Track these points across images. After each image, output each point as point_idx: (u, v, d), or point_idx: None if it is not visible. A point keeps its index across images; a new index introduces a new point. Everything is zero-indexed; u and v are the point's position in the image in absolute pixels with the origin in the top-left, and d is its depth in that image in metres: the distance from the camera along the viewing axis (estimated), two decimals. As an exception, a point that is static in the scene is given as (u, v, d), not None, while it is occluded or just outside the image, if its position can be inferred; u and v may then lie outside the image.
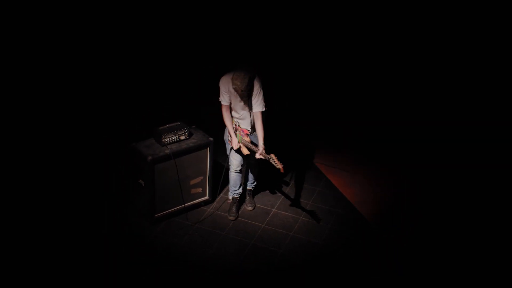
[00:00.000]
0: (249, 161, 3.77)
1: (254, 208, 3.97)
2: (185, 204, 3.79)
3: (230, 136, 3.57)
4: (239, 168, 3.77)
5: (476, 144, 5.27)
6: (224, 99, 3.46)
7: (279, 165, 3.23)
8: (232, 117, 3.58)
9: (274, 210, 4.00)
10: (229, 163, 3.74)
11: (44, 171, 4.66)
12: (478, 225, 3.99)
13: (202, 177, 3.84)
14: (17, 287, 3.41)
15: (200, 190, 3.87)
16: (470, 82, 6.47)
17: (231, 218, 3.88)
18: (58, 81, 6.23)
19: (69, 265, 3.42)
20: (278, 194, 4.24)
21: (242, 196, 4.01)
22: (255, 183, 3.98)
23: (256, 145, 3.43)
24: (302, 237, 3.69)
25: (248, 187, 3.99)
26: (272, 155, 3.27)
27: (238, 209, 3.94)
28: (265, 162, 3.48)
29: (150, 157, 3.43)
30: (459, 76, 6.54)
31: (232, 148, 3.60)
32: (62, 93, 6.06)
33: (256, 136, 3.50)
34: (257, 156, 3.36)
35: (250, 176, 3.92)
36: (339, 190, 4.32)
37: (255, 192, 4.09)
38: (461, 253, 3.66)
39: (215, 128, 4.00)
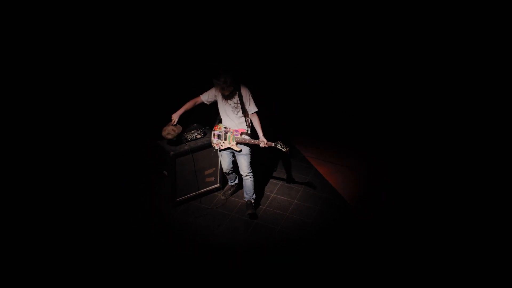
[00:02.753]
0: (240, 171, 4.32)
1: (253, 215, 4.36)
2: (200, 191, 4.52)
3: (213, 137, 4.23)
4: (228, 171, 4.43)
5: (445, 135, 5.84)
6: (204, 97, 4.15)
7: (285, 149, 3.93)
8: (219, 125, 4.24)
9: (272, 195, 4.73)
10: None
11: (83, 165, 5.10)
12: (439, 203, 4.58)
13: (214, 168, 4.57)
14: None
15: (212, 179, 4.61)
16: (448, 76, 6.57)
17: (223, 198, 4.60)
18: (90, 87, 6.33)
19: (101, 238, 4.02)
20: (276, 181, 4.96)
21: (239, 185, 4.63)
22: (254, 196, 4.41)
23: (257, 139, 4.07)
24: (296, 216, 4.39)
25: (247, 198, 4.40)
26: (279, 141, 3.95)
27: (232, 193, 4.66)
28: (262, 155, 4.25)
29: (172, 152, 4.17)
30: (435, 70, 6.67)
31: (216, 148, 4.24)
32: (94, 99, 6.23)
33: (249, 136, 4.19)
34: (262, 145, 4.01)
35: (247, 184, 4.31)
36: (325, 178, 5.06)
37: (257, 203, 4.53)
38: (423, 230, 4.21)
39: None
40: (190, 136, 4.32)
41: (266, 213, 4.44)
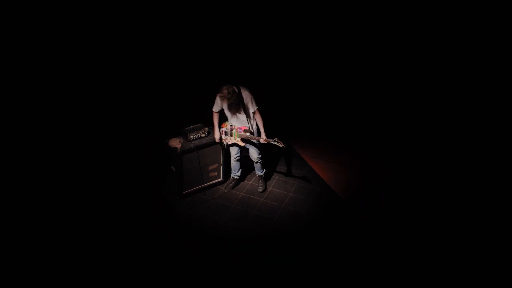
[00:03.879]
0: (250, 157, 4.89)
1: (264, 190, 5.03)
2: (205, 184, 4.98)
3: (221, 134, 4.76)
4: (236, 157, 4.93)
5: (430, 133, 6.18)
6: (215, 107, 4.68)
7: (282, 144, 4.39)
8: (226, 122, 4.73)
9: (270, 188, 5.17)
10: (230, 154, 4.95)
11: (98, 161, 5.41)
12: (420, 197, 4.96)
13: (217, 164, 5.01)
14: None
15: (215, 173, 5.06)
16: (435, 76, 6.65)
17: (225, 190, 5.08)
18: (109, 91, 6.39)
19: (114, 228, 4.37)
20: (273, 176, 5.40)
21: (240, 178, 5.16)
22: (264, 170, 5.06)
23: (258, 136, 4.57)
24: (291, 208, 4.82)
25: (258, 174, 5.07)
26: (275, 138, 4.41)
27: (233, 186, 5.14)
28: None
29: (179, 150, 4.63)
30: (423, 70, 6.76)
31: (225, 143, 4.78)
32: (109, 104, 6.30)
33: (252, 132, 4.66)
34: (261, 141, 4.51)
35: (257, 167, 4.98)
36: (318, 173, 5.50)
37: (266, 178, 5.19)
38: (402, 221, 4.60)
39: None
40: (195, 135, 4.76)
41: (264, 205, 4.87)
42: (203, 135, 4.83)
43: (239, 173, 5.12)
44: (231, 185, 5.13)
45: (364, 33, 7.16)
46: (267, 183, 5.27)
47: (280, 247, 4.24)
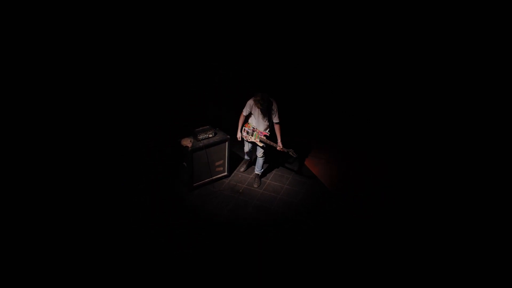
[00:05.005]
0: (256, 153, 5.73)
1: (259, 186, 5.82)
2: (212, 178, 5.73)
3: (243, 132, 5.61)
4: (248, 151, 5.84)
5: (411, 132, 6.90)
6: (245, 111, 5.48)
7: (295, 155, 5.30)
8: (249, 124, 5.57)
9: (268, 181, 5.95)
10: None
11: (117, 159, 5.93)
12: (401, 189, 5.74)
13: (222, 161, 5.76)
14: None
15: (221, 168, 5.81)
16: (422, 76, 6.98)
17: (241, 170, 6.09)
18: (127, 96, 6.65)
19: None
20: (272, 171, 6.19)
21: (251, 163, 6.08)
22: (262, 170, 5.87)
23: (275, 143, 5.39)
24: (286, 198, 5.57)
25: (256, 172, 5.87)
26: (291, 149, 5.28)
27: (246, 168, 6.12)
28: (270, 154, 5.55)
29: (190, 148, 5.39)
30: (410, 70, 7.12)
31: (246, 140, 5.68)
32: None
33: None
34: (278, 149, 5.37)
35: (258, 163, 5.77)
36: (310, 168, 6.30)
37: (262, 176, 6.00)
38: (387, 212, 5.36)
39: (231, 130, 5.84)
40: (203, 135, 5.52)
41: (263, 196, 5.65)
42: (210, 136, 5.58)
43: (248, 158, 6.07)
44: (244, 166, 6.15)
45: (362, 34, 7.35)
46: (266, 176, 6.05)
47: (276, 231, 4.97)
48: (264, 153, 5.68)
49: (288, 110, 7.50)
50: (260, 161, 5.76)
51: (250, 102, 5.39)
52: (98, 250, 4.37)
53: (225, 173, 5.93)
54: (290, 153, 5.28)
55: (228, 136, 5.66)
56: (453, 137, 6.46)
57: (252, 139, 5.58)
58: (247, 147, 5.85)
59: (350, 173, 6.27)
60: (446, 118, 6.67)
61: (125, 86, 6.84)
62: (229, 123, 6.35)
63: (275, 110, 5.36)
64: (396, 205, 5.43)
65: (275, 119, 5.41)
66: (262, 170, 5.91)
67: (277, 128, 5.45)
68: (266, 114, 5.40)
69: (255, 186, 5.83)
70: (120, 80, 6.78)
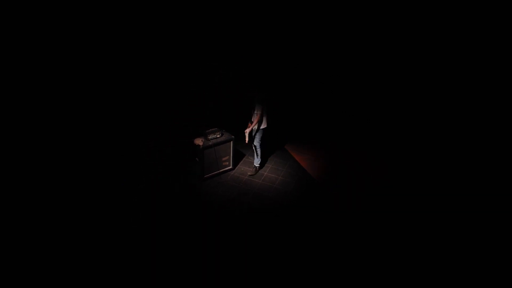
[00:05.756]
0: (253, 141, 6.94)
1: (252, 174, 7.04)
2: (219, 170, 6.93)
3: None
4: (252, 146, 6.99)
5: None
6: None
7: (247, 140, 6.55)
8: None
9: (265, 173, 7.13)
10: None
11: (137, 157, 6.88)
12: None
13: (228, 156, 6.95)
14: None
15: (227, 163, 7.00)
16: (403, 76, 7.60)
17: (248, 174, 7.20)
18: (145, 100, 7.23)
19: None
20: (267, 165, 7.38)
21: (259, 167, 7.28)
22: (259, 161, 7.06)
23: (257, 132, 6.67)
24: (280, 187, 6.74)
25: (255, 164, 7.08)
26: (246, 133, 6.55)
27: (255, 173, 7.19)
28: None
29: (201, 146, 6.58)
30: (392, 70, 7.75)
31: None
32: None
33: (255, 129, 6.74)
34: (245, 130, 6.60)
35: (255, 154, 7.02)
36: (299, 163, 7.52)
37: (260, 167, 7.21)
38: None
39: (235, 131, 6.98)
40: (212, 136, 6.71)
41: (262, 185, 6.83)
42: (218, 136, 6.76)
43: (257, 161, 7.20)
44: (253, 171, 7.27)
45: (361, 34, 7.61)
46: (264, 169, 7.25)
47: (272, 215, 6.14)
48: (258, 143, 6.85)
49: (283, 110, 8.67)
50: (257, 151, 6.93)
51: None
52: (101, 246, 4.76)
53: (230, 167, 7.12)
54: (246, 135, 6.58)
55: (233, 136, 6.84)
56: (433, 132, 7.29)
57: (248, 130, 6.71)
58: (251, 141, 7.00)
59: (330, 166, 7.47)
60: (428, 115, 7.38)
61: (126, 87, 7.16)
62: (229, 122, 7.52)
63: (257, 102, 6.50)
64: (370, 192, 6.66)
65: (256, 110, 6.55)
66: (259, 162, 7.09)
67: (255, 118, 6.61)
68: (253, 106, 6.59)
69: (249, 173, 7.07)
70: (120, 81, 7.01)
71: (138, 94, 7.25)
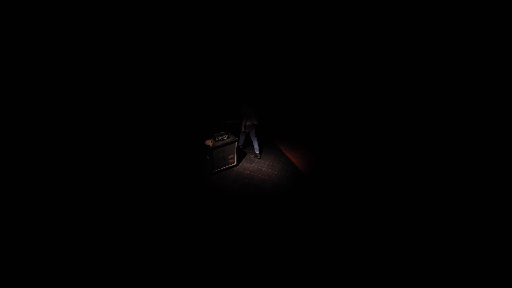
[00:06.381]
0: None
1: (256, 156, 8.73)
2: (226, 166, 8.49)
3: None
4: (250, 139, 8.69)
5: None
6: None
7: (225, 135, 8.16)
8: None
9: (263, 169, 8.67)
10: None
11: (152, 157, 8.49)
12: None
13: (233, 155, 8.49)
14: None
15: (232, 160, 8.55)
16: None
17: (253, 157, 8.85)
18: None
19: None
20: (265, 162, 8.94)
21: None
22: (258, 149, 8.73)
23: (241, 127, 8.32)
24: (275, 180, 8.23)
25: (256, 152, 8.72)
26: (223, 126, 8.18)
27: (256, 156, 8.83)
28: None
29: (211, 146, 8.15)
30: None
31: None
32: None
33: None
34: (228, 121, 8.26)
35: (255, 146, 8.66)
36: (291, 160, 9.08)
37: (260, 154, 8.86)
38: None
39: (238, 134, 8.61)
40: (220, 138, 8.27)
41: (260, 179, 8.35)
42: (225, 138, 8.32)
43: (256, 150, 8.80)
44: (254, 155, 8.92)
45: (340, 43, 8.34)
46: (261, 166, 8.82)
47: (268, 202, 7.66)
48: (254, 136, 8.55)
49: (277, 116, 10.26)
50: (256, 143, 8.64)
51: None
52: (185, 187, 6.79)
53: (235, 163, 8.66)
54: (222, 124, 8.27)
55: (237, 139, 8.37)
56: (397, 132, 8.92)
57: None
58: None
59: (317, 163, 9.01)
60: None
61: (126, 87, 7.87)
62: (233, 128, 9.10)
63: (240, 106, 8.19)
64: (345, 184, 8.21)
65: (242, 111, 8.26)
66: (258, 149, 8.80)
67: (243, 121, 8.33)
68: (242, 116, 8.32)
69: (252, 157, 8.81)
70: (121, 81, 7.54)
71: (140, 94, 8.21)
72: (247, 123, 8.39)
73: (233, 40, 8.34)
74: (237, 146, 8.51)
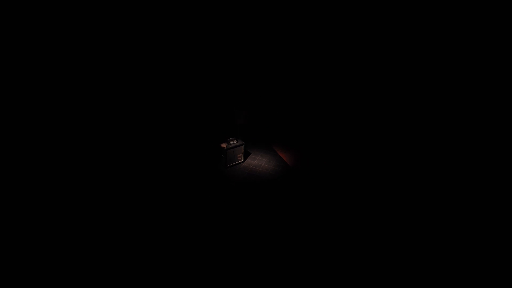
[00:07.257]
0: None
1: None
2: (236, 162, 11.76)
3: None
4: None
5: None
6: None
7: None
8: None
9: (263, 164, 11.94)
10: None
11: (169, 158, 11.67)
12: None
13: (241, 154, 11.77)
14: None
15: (240, 158, 11.85)
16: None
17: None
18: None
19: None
20: (264, 159, 12.24)
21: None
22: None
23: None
24: (272, 173, 11.39)
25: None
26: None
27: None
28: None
29: (225, 148, 11.42)
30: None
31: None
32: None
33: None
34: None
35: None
36: (283, 158, 12.36)
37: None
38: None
39: (246, 139, 11.83)
40: (232, 142, 11.55)
41: (261, 172, 11.59)
42: (235, 142, 11.62)
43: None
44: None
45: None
46: (260, 164, 12.13)
47: (265, 191, 10.92)
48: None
49: (272, 122, 13.55)
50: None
51: None
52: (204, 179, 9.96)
53: (242, 160, 11.96)
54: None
55: (244, 142, 11.64)
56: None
57: None
58: None
59: (304, 159, 12.27)
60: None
61: (126, 87, 9.41)
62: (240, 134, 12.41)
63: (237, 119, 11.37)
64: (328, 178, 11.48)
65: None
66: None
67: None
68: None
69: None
70: (121, 81, 7.90)
71: (139, 94, 9.91)
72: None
73: (229, 43, 9.22)
74: (244, 147, 11.79)
